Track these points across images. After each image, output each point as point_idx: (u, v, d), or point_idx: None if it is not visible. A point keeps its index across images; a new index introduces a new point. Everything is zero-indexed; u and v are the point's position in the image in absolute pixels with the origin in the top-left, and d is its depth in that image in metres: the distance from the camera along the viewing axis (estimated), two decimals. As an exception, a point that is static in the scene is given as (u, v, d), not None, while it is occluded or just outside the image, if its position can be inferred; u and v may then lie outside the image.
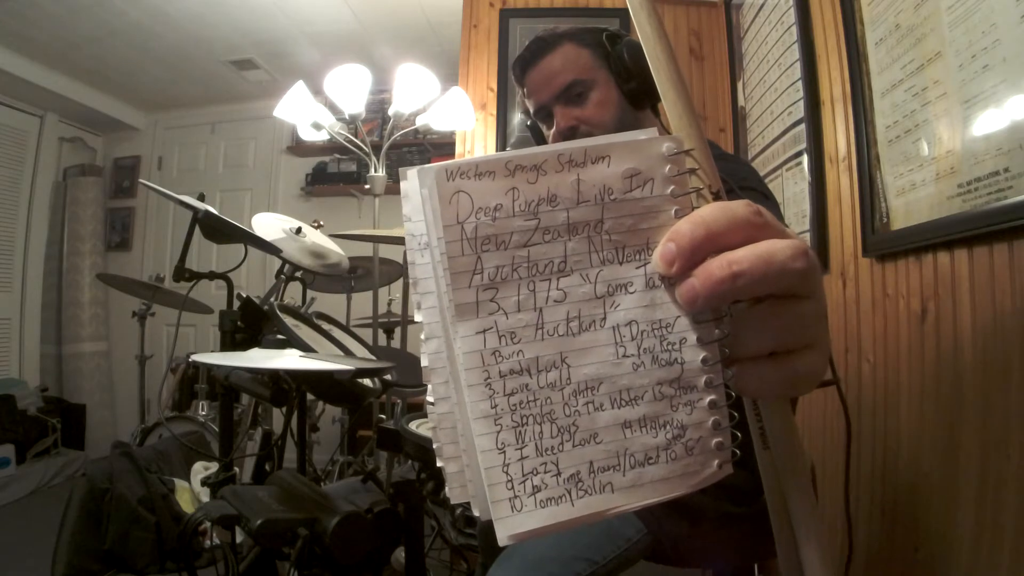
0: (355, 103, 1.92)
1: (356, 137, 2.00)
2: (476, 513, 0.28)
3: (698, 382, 0.29)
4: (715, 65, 2.22)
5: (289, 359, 0.94)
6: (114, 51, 3.17)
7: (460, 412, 0.29)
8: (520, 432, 0.28)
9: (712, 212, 0.28)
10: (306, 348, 1.01)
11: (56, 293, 3.71)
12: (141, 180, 2.09)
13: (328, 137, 2.01)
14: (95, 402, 3.61)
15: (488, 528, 1.18)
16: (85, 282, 3.68)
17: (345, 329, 1.35)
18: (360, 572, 0.88)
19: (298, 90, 1.95)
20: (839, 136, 1.38)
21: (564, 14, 2.36)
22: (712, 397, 0.29)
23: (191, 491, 2.11)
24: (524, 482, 0.27)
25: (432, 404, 0.30)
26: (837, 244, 1.40)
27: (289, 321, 1.11)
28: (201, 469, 2.12)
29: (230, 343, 1.26)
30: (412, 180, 0.29)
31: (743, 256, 0.26)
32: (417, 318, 0.30)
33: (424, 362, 0.30)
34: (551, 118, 0.91)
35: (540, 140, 0.97)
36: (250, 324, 1.26)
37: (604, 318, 0.29)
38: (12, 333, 3.50)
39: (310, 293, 1.93)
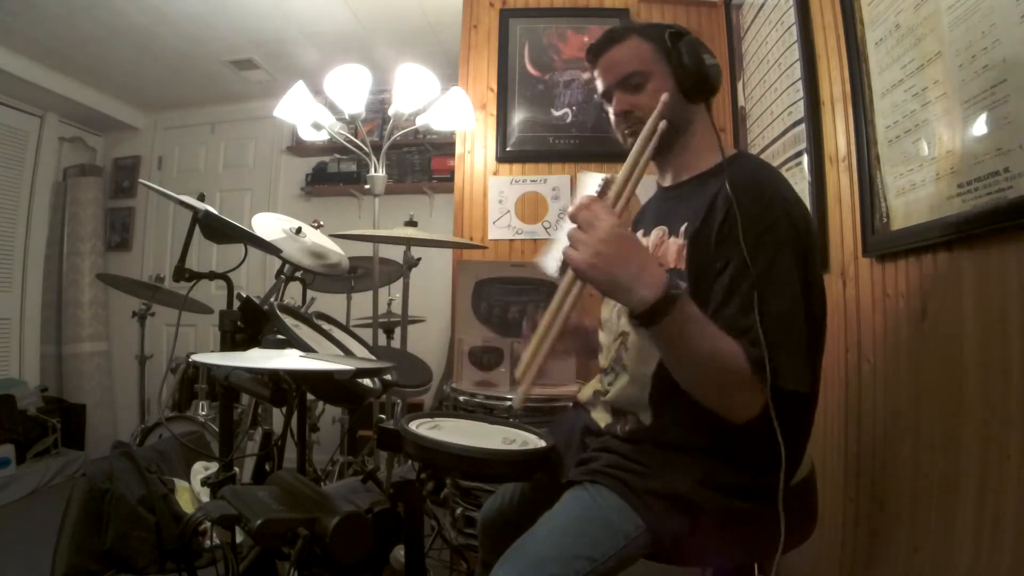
0: (355, 103, 1.92)
1: (356, 137, 2.00)
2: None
3: None
4: (715, 65, 2.22)
5: (289, 359, 0.94)
6: (114, 51, 3.17)
7: None
8: None
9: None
10: (306, 348, 1.01)
11: (56, 293, 3.71)
12: (141, 180, 2.09)
13: (328, 137, 2.01)
14: (95, 402, 3.60)
15: (489, 527, 1.18)
16: (85, 282, 3.67)
17: (345, 329, 1.35)
18: (360, 572, 0.88)
19: (298, 90, 1.95)
20: (839, 136, 1.38)
21: (564, 14, 2.36)
22: None
23: (191, 491, 2.11)
24: None
25: None
26: (837, 244, 1.40)
27: (289, 321, 1.10)
28: (201, 469, 2.11)
29: (230, 343, 1.26)
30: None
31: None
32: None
33: None
34: (612, 100, 1.01)
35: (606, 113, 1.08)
36: (250, 324, 1.26)
37: None
38: (12, 333, 3.50)
39: (310, 293, 1.93)
